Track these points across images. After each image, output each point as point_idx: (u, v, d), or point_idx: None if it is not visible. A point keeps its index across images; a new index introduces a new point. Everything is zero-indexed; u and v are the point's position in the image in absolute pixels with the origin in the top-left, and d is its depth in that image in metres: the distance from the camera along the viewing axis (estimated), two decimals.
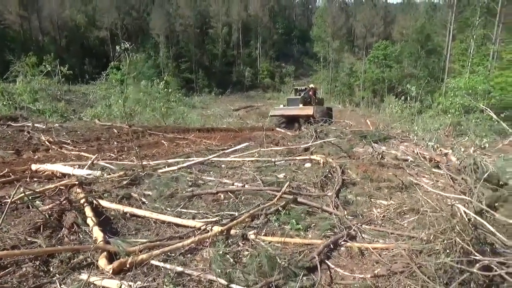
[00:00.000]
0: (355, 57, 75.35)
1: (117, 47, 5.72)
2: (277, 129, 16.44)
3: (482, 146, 6.97)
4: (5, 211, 2.90)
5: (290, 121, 18.06)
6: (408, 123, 15.21)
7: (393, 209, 3.95)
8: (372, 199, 4.35)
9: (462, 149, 6.24)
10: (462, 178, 4.45)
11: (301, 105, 18.85)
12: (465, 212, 2.61)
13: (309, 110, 17.49)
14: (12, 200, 3.27)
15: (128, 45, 5.76)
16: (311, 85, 22.55)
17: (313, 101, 20.16)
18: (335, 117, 21.22)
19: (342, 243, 3.06)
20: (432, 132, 9.57)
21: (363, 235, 3.27)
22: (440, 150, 7.10)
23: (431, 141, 7.87)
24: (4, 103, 15.92)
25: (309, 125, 13.14)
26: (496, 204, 2.96)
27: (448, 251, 2.44)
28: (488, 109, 5.74)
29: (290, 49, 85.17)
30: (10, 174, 5.02)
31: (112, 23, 64.73)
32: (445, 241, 2.50)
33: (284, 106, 20.29)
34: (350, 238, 3.17)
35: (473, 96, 18.67)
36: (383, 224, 3.60)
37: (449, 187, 4.69)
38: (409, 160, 6.43)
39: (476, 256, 2.33)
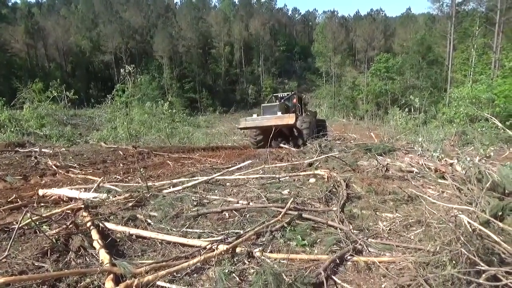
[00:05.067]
0: (357, 71, 76.09)
1: (122, 70, 5.85)
2: (281, 145, 14.93)
3: (487, 154, 6.92)
4: (12, 237, 2.93)
5: (269, 134, 12.64)
6: (413, 134, 15.11)
7: (399, 221, 3.92)
8: (377, 213, 4.32)
9: (468, 159, 6.20)
10: (468, 188, 4.41)
11: (279, 113, 15.03)
12: (469, 223, 2.60)
13: (289, 119, 14.01)
14: (20, 225, 3.31)
15: (131, 68, 5.87)
16: (304, 94, 19.72)
17: (299, 110, 16.70)
18: (339, 131, 20.64)
19: (349, 257, 3.03)
20: (437, 142, 9.52)
21: (369, 249, 3.23)
22: (445, 160, 7.06)
23: (436, 151, 7.84)
24: (12, 129, 16.23)
25: (312, 140, 12.70)
26: (500, 214, 2.93)
27: (454, 262, 2.42)
28: (493, 118, 5.76)
29: (292, 65, 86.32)
30: (18, 200, 5.08)
31: (116, 47, 66.28)
32: (451, 252, 2.48)
33: (258, 116, 15.79)
34: (357, 252, 3.14)
35: (477, 105, 18.66)
36: (389, 237, 3.57)
37: (455, 197, 4.65)
38: (414, 172, 6.40)
39: (482, 266, 2.31)
